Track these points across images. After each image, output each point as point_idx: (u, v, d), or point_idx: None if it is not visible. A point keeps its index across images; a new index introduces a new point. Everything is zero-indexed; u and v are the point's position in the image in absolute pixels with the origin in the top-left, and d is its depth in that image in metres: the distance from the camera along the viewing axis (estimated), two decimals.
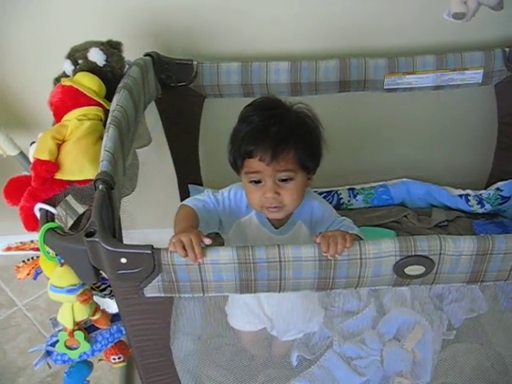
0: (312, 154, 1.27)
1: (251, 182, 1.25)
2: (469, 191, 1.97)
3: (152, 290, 1.10)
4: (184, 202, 1.31)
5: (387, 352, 1.47)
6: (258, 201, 1.26)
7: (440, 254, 1.05)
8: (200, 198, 1.33)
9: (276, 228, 1.35)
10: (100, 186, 1.12)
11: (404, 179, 2.01)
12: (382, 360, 1.47)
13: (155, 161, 1.76)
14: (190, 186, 1.92)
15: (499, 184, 1.95)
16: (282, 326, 1.46)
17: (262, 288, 1.09)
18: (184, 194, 1.93)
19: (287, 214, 1.30)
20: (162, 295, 1.11)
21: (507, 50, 1.69)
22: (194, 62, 1.66)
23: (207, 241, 1.06)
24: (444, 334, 1.52)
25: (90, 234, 1.03)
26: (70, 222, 1.24)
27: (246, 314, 1.44)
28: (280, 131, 1.22)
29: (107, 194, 1.11)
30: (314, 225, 1.35)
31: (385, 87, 1.71)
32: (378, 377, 1.46)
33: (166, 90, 1.67)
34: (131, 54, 1.52)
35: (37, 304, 2.13)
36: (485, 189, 1.98)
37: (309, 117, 1.30)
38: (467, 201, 1.95)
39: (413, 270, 1.07)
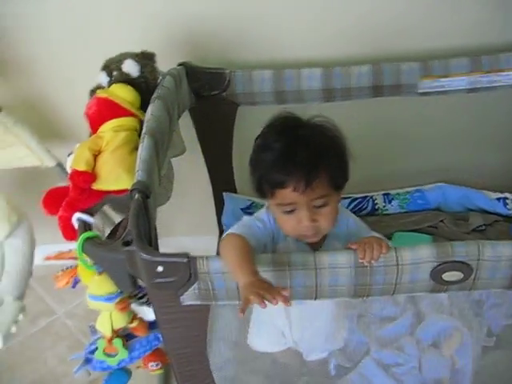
0: (342, 172, 1.22)
1: (284, 212, 1.19)
2: (507, 194, 1.93)
3: (189, 298, 1.10)
4: (232, 231, 1.22)
5: (425, 359, 1.45)
6: (293, 229, 1.20)
7: (478, 259, 1.04)
8: (247, 225, 1.25)
9: (314, 250, 1.28)
10: (136, 196, 1.13)
11: (440, 184, 1.98)
12: (420, 367, 1.45)
13: (190, 170, 1.77)
14: (224, 193, 1.93)
15: None
16: (305, 346, 1.46)
17: (298, 295, 1.09)
18: (219, 202, 1.94)
19: (323, 235, 1.25)
20: (199, 303, 1.11)
21: None
22: (227, 71, 1.67)
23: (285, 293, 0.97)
24: (484, 340, 1.49)
25: (127, 243, 1.05)
26: (108, 232, 1.25)
27: (271, 335, 1.43)
28: (309, 155, 1.14)
29: (143, 204, 1.12)
30: (349, 240, 1.31)
31: (419, 91, 1.69)
32: None
33: (199, 99, 1.68)
34: (165, 64, 1.53)
35: (76, 312, 2.16)
36: None
37: (331, 130, 1.23)
38: (505, 204, 1.91)
39: (450, 276, 1.06)
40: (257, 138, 1.25)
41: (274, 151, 1.17)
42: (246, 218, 1.30)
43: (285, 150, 1.16)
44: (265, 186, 1.20)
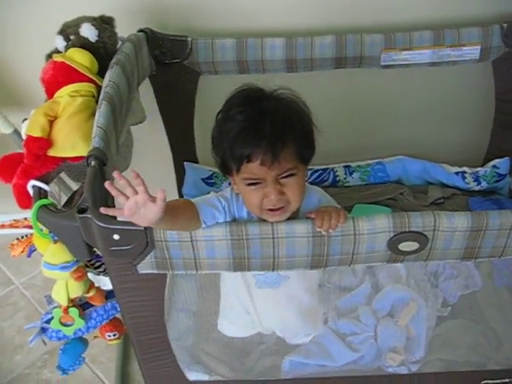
0: (309, 144, 1.19)
1: (249, 185, 1.14)
2: (465, 168, 1.96)
3: (145, 267, 1.10)
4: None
5: (381, 328, 1.47)
6: (260, 204, 1.13)
7: (434, 230, 1.05)
8: (205, 198, 1.20)
9: None
10: (92, 163, 1.11)
11: (400, 156, 1.99)
12: (375, 336, 1.47)
13: (150, 138, 1.75)
14: (185, 163, 1.91)
15: (495, 161, 1.94)
16: (285, 332, 1.47)
17: (255, 266, 1.09)
18: (179, 172, 1.92)
19: (291, 213, 1.16)
20: (156, 272, 1.11)
21: (505, 25, 1.66)
22: (189, 39, 1.64)
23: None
24: (439, 310, 1.52)
25: (82, 211, 1.03)
26: (64, 200, 1.23)
27: (240, 320, 1.43)
28: (274, 126, 1.10)
29: (100, 171, 1.10)
30: None
31: (381, 63, 1.69)
32: (372, 352, 1.47)
33: (160, 67, 1.65)
34: (124, 30, 1.50)
35: (34, 282, 2.14)
36: (481, 166, 1.97)
37: (296, 102, 1.19)
38: (463, 178, 1.94)
39: (407, 246, 1.07)
40: (219, 113, 1.20)
41: (239, 123, 1.12)
42: (210, 194, 1.25)
43: (250, 123, 1.12)
44: (229, 161, 1.14)
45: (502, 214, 1.06)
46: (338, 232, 1.04)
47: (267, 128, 1.10)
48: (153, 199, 0.93)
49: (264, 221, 1.13)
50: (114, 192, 0.94)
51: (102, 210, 0.97)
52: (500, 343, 1.50)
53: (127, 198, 0.93)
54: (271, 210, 1.13)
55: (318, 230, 1.03)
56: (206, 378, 1.46)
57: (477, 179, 1.94)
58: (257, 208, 1.15)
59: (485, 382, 1.50)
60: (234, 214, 1.21)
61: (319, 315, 1.47)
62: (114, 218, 1.01)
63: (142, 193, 0.93)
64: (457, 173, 1.96)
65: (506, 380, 1.49)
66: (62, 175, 1.30)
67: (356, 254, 1.08)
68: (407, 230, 1.04)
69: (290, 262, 1.08)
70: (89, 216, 1.02)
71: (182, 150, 1.89)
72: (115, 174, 0.94)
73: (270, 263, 1.08)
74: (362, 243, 1.06)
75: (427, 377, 1.48)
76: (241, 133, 1.11)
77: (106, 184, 0.94)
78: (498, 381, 1.50)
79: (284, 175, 1.12)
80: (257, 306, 1.36)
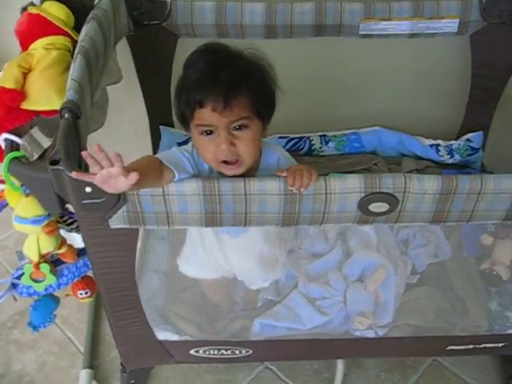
0: (267, 100, 1.20)
1: (203, 133, 1.16)
2: (439, 141, 1.98)
3: (117, 221, 1.10)
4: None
5: (350, 293, 1.49)
6: (213, 154, 1.16)
7: (404, 191, 1.06)
8: (168, 152, 1.23)
9: None
10: (66, 115, 1.09)
11: (376, 128, 2.01)
12: (345, 301, 1.49)
13: (126, 100, 1.74)
14: (161, 126, 1.90)
15: (469, 135, 1.96)
16: (246, 276, 1.48)
17: (227, 221, 1.10)
18: (155, 135, 1.91)
19: (247, 168, 1.19)
20: (128, 227, 1.11)
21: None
22: (168, 0, 1.62)
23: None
24: (408, 277, 1.54)
25: (54, 163, 1.02)
26: (37, 155, 1.22)
27: (205, 261, 1.43)
28: (231, 75, 1.12)
29: (73, 123, 1.09)
30: None
31: (360, 33, 1.69)
32: (340, 316, 1.48)
33: (138, 28, 1.64)
34: None
35: (5, 244, 2.13)
36: (455, 140, 2.00)
37: (261, 61, 1.21)
38: (437, 151, 1.96)
39: (377, 207, 1.08)
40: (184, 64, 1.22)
41: (197, 71, 1.15)
42: (173, 149, 1.27)
43: (207, 69, 1.14)
44: (185, 109, 1.17)
45: (472, 179, 1.07)
46: (310, 191, 1.05)
47: (223, 75, 1.12)
48: (126, 174, 0.93)
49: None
50: (90, 161, 0.93)
51: (74, 174, 0.96)
52: (466, 310, 1.53)
53: (101, 167, 0.93)
54: (226, 162, 1.15)
55: (290, 188, 1.04)
56: (175, 337, 1.47)
57: (450, 152, 1.96)
58: (212, 160, 1.17)
59: (450, 347, 1.53)
60: (197, 166, 1.22)
61: (279, 261, 1.48)
62: (87, 171, 1.00)
63: (118, 167, 0.93)
64: (431, 145, 1.98)
65: (470, 346, 1.53)
66: (35, 130, 1.28)
67: (327, 213, 1.09)
68: (378, 190, 1.06)
69: (261, 218, 1.09)
70: (61, 168, 1.01)
71: (158, 114, 1.88)
72: (95, 147, 0.94)
73: (241, 219, 1.09)
74: (333, 203, 1.07)
75: (394, 341, 1.51)
76: (197, 79, 1.14)
77: (83, 153, 0.94)
78: (463, 346, 1.53)
79: (236, 125, 1.14)
80: (219, 250, 1.38)
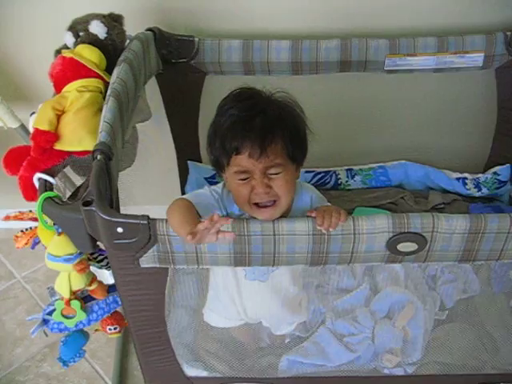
0: (300, 144, 1.22)
1: (239, 179, 1.17)
2: (466, 175, 1.97)
3: (147, 261, 1.11)
4: (182, 196, 1.23)
5: (378, 330, 1.48)
6: (246, 197, 1.16)
7: (433, 231, 1.06)
8: (198, 193, 1.25)
9: None
10: (98, 157, 1.13)
11: (402, 161, 2.01)
12: (373, 337, 1.48)
13: (155, 137, 1.76)
14: (189, 162, 1.93)
15: (497, 168, 1.95)
16: (271, 321, 1.48)
17: (256, 261, 1.11)
18: (183, 171, 1.94)
19: (282, 211, 1.19)
20: (158, 266, 1.12)
21: (509, 34, 1.68)
22: (196, 39, 1.66)
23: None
24: (436, 313, 1.54)
25: (87, 203, 1.05)
26: (69, 194, 1.25)
27: (226, 310, 1.44)
28: (265, 121, 1.15)
29: (105, 165, 1.12)
30: None
31: (385, 68, 1.71)
32: (368, 353, 1.48)
33: (167, 66, 1.67)
34: (133, 28, 1.52)
35: (35, 277, 2.15)
36: (482, 173, 1.99)
37: (290, 103, 1.23)
38: (464, 184, 1.95)
39: (405, 246, 1.08)
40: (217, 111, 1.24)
41: (231, 117, 1.17)
42: (201, 189, 1.29)
43: (241, 116, 1.16)
44: (221, 155, 1.19)
45: (501, 217, 1.07)
46: (338, 231, 1.06)
47: (257, 122, 1.15)
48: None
49: None
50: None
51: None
52: (496, 348, 1.51)
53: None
54: (261, 206, 1.16)
55: (319, 228, 1.05)
56: (204, 374, 1.47)
57: (477, 185, 1.95)
58: (246, 203, 1.18)
59: None
60: (226, 208, 1.24)
61: (303, 303, 1.48)
62: (118, 211, 1.03)
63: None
64: (458, 179, 1.97)
65: None
66: (68, 169, 1.31)
67: (355, 253, 1.09)
68: (406, 230, 1.06)
69: (290, 259, 1.10)
70: (93, 209, 1.03)
71: (186, 149, 1.91)
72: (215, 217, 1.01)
73: (270, 259, 1.10)
74: (361, 242, 1.07)
75: (423, 379, 1.49)
76: (232, 126, 1.16)
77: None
78: None
79: (272, 170, 1.15)
80: (243, 297, 1.38)
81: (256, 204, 1.17)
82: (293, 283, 1.38)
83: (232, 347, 1.51)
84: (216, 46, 1.67)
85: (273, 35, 1.70)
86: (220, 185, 1.28)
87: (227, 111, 1.19)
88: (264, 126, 1.14)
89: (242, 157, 1.15)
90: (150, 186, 1.99)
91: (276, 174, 1.16)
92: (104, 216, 1.03)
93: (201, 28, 1.73)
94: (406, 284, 1.57)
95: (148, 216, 1.04)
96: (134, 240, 1.06)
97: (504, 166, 1.94)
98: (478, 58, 1.71)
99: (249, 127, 1.14)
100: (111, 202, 1.12)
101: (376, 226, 1.06)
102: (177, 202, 1.16)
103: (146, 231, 1.05)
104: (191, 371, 1.46)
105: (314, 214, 1.07)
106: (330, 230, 1.05)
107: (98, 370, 1.84)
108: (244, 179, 1.17)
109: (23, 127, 1.60)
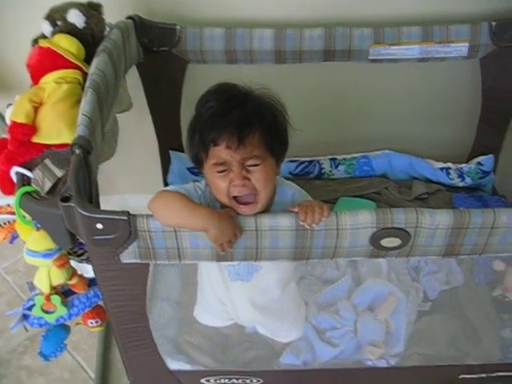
0: (279, 137, 1.20)
1: (217, 171, 1.15)
2: (450, 164, 1.98)
3: (128, 256, 1.10)
4: (165, 189, 1.21)
5: (361, 323, 1.48)
6: (225, 190, 1.14)
7: (416, 226, 1.06)
8: (184, 187, 1.21)
9: None
10: (77, 151, 1.10)
11: (386, 151, 2.01)
12: (355, 331, 1.48)
13: (136, 126, 1.75)
14: (171, 152, 1.91)
15: (480, 158, 1.95)
16: (267, 330, 1.47)
17: (238, 256, 1.10)
18: (165, 160, 1.92)
19: (262, 207, 1.17)
20: (139, 261, 1.11)
21: (493, 23, 1.67)
22: (177, 27, 1.63)
23: None
24: (419, 305, 1.54)
25: (65, 199, 1.03)
26: (48, 187, 1.22)
27: (216, 310, 1.44)
28: (243, 113, 1.14)
29: (84, 159, 1.10)
30: None
31: (369, 58, 1.69)
32: (351, 346, 1.48)
33: (147, 55, 1.64)
34: (113, 17, 1.48)
35: (16, 268, 2.13)
36: (466, 163, 1.99)
37: (272, 100, 1.21)
38: (448, 174, 1.96)
39: (389, 242, 1.08)
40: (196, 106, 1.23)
41: (209, 109, 1.16)
42: (186, 184, 1.26)
43: (220, 108, 1.15)
44: (199, 147, 1.17)
45: (484, 213, 1.06)
46: (322, 226, 1.05)
47: (236, 113, 1.14)
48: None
49: None
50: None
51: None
52: (479, 339, 1.51)
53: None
54: (240, 202, 1.14)
55: (302, 223, 1.04)
56: (187, 367, 1.46)
57: (461, 175, 1.95)
58: (225, 196, 1.15)
59: (462, 376, 1.52)
60: (208, 205, 1.22)
61: (298, 317, 1.48)
62: (98, 207, 1.01)
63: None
64: (441, 168, 1.97)
65: (483, 375, 1.51)
66: (47, 162, 1.29)
67: (338, 248, 1.08)
68: (390, 226, 1.05)
69: (272, 253, 1.09)
70: (72, 205, 1.01)
71: (168, 139, 1.89)
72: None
73: (252, 253, 1.09)
74: (344, 238, 1.06)
75: (406, 370, 1.50)
76: (210, 117, 1.15)
77: None
78: (476, 375, 1.52)
79: (250, 162, 1.14)
80: (232, 297, 1.37)
81: (235, 198, 1.15)
82: (279, 287, 1.37)
83: (216, 339, 1.51)
84: (198, 35, 1.64)
85: (256, 23, 1.68)
86: (203, 182, 1.26)
87: (206, 104, 1.18)
88: (242, 117, 1.13)
89: (219, 148, 1.13)
90: (131, 175, 1.98)
91: (254, 165, 1.14)
92: (83, 212, 1.00)
93: (182, 15, 1.70)
94: (388, 275, 1.57)
95: (128, 212, 1.02)
96: (113, 236, 1.04)
97: (487, 156, 1.94)
98: (462, 48, 1.70)
99: (227, 118, 1.13)
100: (90, 196, 1.10)
101: (359, 222, 1.05)
102: (168, 193, 1.14)
103: (125, 227, 1.03)
104: (174, 364, 1.45)
105: (296, 209, 1.05)
106: (313, 225, 1.03)
107: (81, 362, 1.83)
108: (222, 171, 1.15)
109: (1, 117, 1.57)
